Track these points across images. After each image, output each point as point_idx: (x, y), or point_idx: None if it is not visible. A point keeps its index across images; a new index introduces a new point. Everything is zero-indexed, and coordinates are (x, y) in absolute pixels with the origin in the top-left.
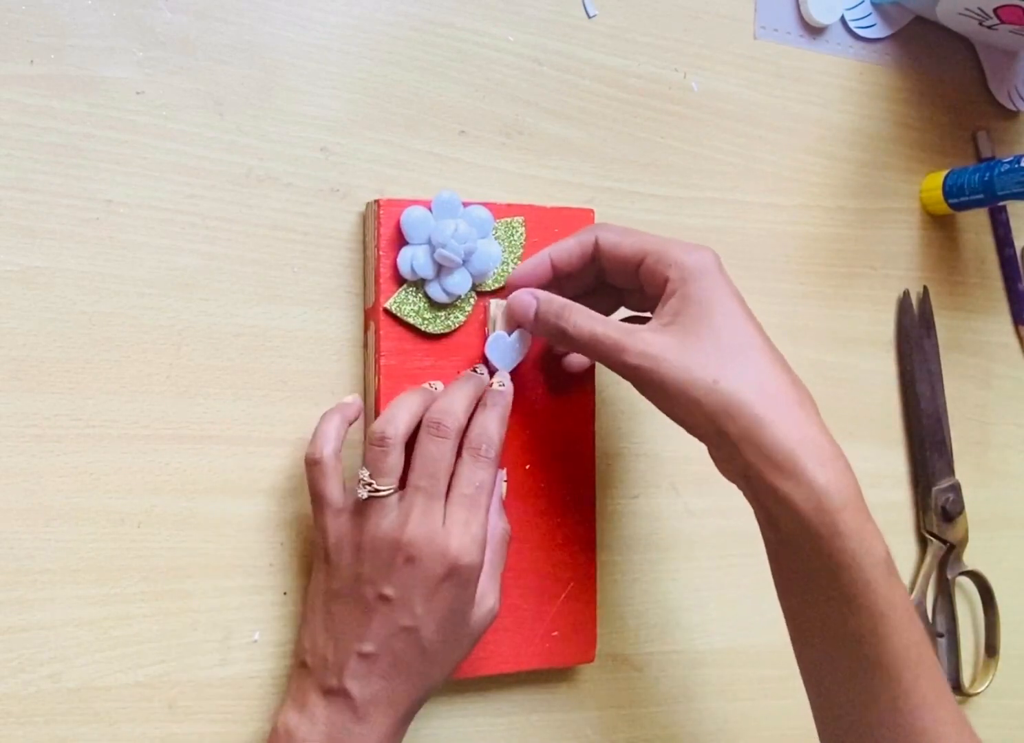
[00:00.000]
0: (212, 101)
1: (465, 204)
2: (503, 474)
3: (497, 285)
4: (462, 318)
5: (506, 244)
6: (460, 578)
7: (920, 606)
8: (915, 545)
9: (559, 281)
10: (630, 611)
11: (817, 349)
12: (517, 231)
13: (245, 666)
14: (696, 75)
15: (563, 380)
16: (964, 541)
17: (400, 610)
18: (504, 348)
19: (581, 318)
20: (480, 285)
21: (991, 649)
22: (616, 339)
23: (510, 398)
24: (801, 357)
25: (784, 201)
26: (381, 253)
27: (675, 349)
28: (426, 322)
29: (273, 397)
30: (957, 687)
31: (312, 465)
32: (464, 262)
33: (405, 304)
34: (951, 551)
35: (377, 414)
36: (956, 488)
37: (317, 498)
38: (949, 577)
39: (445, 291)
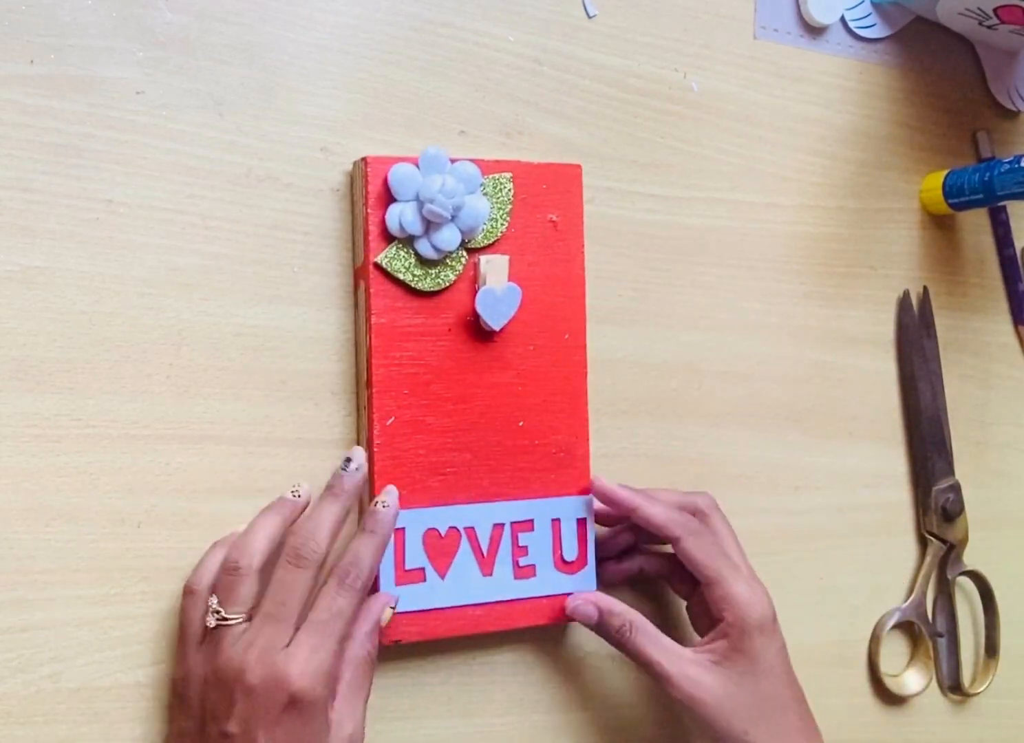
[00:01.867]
0: (212, 101)
1: (452, 161)
2: (390, 599)
3: (487, 241)
4: (452, 276)
5: (494, 200)
6: (303, 708)
7: (920, 606)
8: (915, 545)
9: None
10: None
11: (817, 349)
12: (505, 187)
13: None
14: (696, 75)
15: (554, 335)
16: (964, 541)
17: None
18: (494, 303)
19: (641, 638)
20: (470, 242)
21: (991, 649)
22: (667, 670)
23: (392, 522)
24: (801, 357)
25: (784, 201)
26: (369, 211)
27: (717, 693)
28: (416, 279)
29: (273, 397)
30: (957, 687)
31: (187, 595)
32: (452, 217)
33: (396, 260)
34: (951, 551)
35: (369, 374)
36: (956, 488)
37: (182, 628)
38: (949, 577)
39: (434, 247)
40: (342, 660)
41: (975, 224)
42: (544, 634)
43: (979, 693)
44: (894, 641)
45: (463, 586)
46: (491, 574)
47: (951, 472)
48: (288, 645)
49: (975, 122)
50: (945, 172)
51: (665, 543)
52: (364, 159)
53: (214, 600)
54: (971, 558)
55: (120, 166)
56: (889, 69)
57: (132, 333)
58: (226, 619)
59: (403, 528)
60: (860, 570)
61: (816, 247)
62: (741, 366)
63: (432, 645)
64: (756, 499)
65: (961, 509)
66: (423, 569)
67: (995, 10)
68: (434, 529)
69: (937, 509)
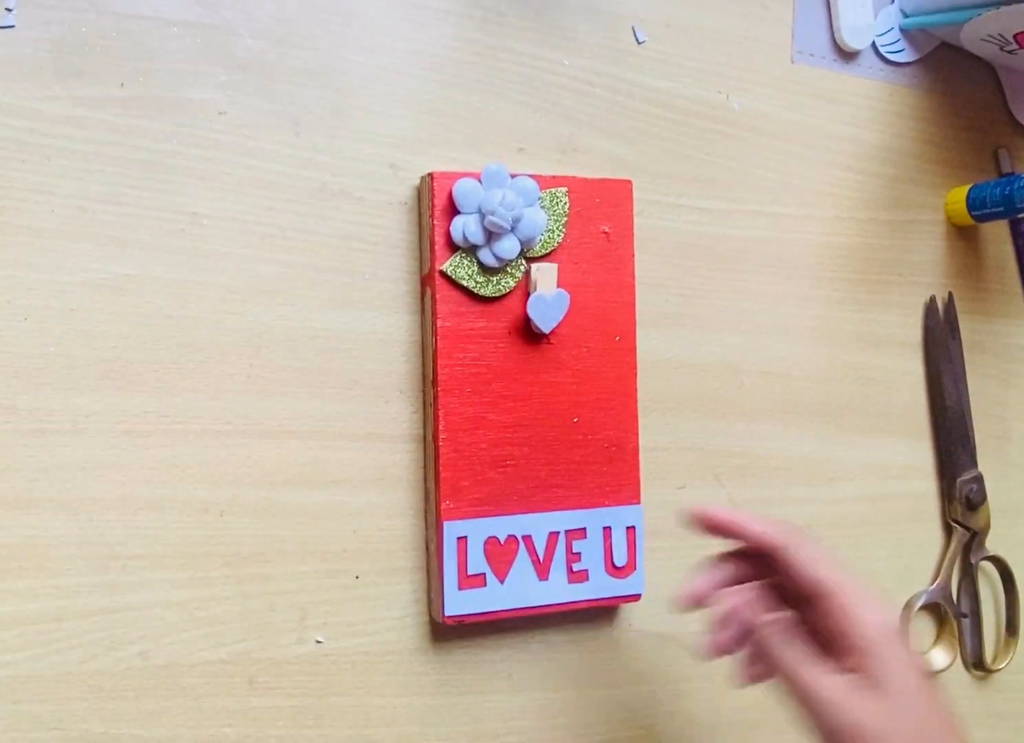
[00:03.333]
0: (289, 121)
1: (512, 176)
2: None
3: (544, 251)
4: (512, 283)
5: (551, 212)
6: None
7: (946, 589)
8: (941, 532)
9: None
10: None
11: (850, 351)
12: (561, 201)
13: (319, 645)
14: (738, 96)
15: (606, 338)
16: (987, 528)
17: None
18: (545, 308)
19: (789, 654)
20: (528, 251)
21: (1012, 628)
22: (830, 698)
23: None
24: (835, 358)
25: (819, 213)
26: (435, 222)
27: (876, 721)
28: (479, 285)
29: (346, 395)
30: (980, 664)
31: None
32: (512, 228)
33: (460, 268)
34: (974, 538)
35: (434, 374)
36: (979, 479)
37: None
38: (973, 561)
39: (495, 256)
40: None
41: (996, 235)
42: (598, 614)
43: (1000, 669)
44: (921, 621)
45: (521, 590)
46: (547, 579)
47: (974, 464)
48: None
49: (996, 140)
50: (968, 186)
51: None
52: (430, 174)
53: None
54: (993, 544)
55: (204, 181)
56: (917, 91)
57: (215, 336)
58: None
59: (465, 537)
60: (890, 555)
61: (849, 256)
62: (779, 366)
63: (493, 625)
64: (794, 489)
65: (984, 499)
66: (484, 574)
67: (1015, 36)
68: (494, 537)
69: (961, 499)
